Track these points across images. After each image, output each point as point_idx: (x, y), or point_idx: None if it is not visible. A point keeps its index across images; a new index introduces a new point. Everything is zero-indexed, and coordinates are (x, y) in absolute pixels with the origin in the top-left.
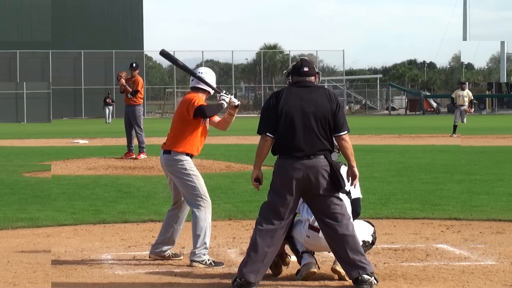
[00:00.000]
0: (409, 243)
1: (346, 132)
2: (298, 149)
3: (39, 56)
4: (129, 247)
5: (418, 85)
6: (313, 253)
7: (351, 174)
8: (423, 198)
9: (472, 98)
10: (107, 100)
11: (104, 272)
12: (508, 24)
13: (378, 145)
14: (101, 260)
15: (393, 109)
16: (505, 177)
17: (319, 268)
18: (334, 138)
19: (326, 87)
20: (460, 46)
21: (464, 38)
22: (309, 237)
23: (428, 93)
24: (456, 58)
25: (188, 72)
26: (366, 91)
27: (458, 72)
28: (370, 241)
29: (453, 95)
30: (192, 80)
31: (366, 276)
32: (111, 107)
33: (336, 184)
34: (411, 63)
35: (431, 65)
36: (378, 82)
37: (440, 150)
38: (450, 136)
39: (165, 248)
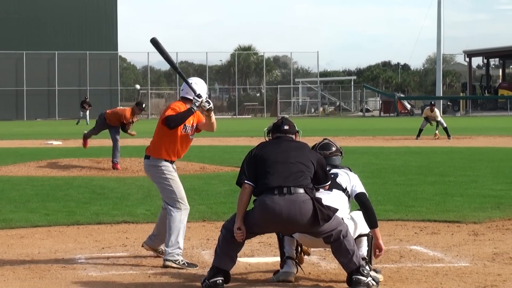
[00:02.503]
0: (383, 245)
1: (329, 182)
2: (278, 185)
3: (13, 57)
4: (103, 248)
5: (392, 87)
6: (301, 248)
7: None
8: (397, 200)
9: (439, 120)
10: (84, 104)
11: (77, 274)
12: (481, 26)
13: (352, 146)
14: (75, 262)
15: (367, 110)
16: (479, 179)
17: (302, 270)
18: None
19: (300, 89)
20: (434, 48)
21: (438, 40)
22: None
23: (402, 95)
24: (430, 60)
25: (172, 67)
26: (340, 93)
27: (432, 74)
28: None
29: (424, 115)
30: (182, 90)
31: (362, 277)
32: (87, 111)
33: (315, 220)
34: (386, 64)
35: (405, 67)
36: (352, 83)
37: (414, 152)
38: (416, 139)
39: (159, 243)
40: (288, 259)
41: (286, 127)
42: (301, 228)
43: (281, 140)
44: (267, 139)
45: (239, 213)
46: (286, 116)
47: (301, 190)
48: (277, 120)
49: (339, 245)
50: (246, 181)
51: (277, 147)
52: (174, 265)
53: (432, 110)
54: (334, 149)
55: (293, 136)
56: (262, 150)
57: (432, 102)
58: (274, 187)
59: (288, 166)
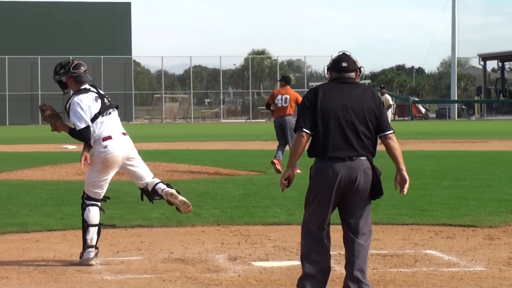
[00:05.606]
0: (398, 249)
1: (392, 131)
2: (338, 149)
3: (28, 62)
4: (118, 252)
5: (407, 91)
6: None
7: (400, 180)
8: (411, 204)
9: (390, 104)
10: None
11: (92, 277)
12: (495, 29)
13: None
14: (90, 265)
15: None
16: (494, 183)
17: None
18: (379, 138)
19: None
20: (448, 51)
21: (453, 43)
22: None
23: (416, 99)
24: (445, 64)
25: None
26: None
27: (447, 78)
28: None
29: None
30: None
31: None
32: None
33: (376, 190)
34: (400, 68)
35: (420, 71)
36: None
37: (429, 156)
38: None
39: None
40: (89, 248)
41: (344, 64)
42: (357, 190)
43: (341, 86)
44: (327, 79)
45: (291, 163)
46: (347, 52)
47: (363, 158)
48: (337, 56)
49: (357, 248)
50: (303, 130)
51: (338, 96)
52: None
53: (382, 94)
54: (83, 68)
55: (353, 74)
56: (322, 97)
57: (382, 86)
58: (333, 154)
59: (352, 129)
